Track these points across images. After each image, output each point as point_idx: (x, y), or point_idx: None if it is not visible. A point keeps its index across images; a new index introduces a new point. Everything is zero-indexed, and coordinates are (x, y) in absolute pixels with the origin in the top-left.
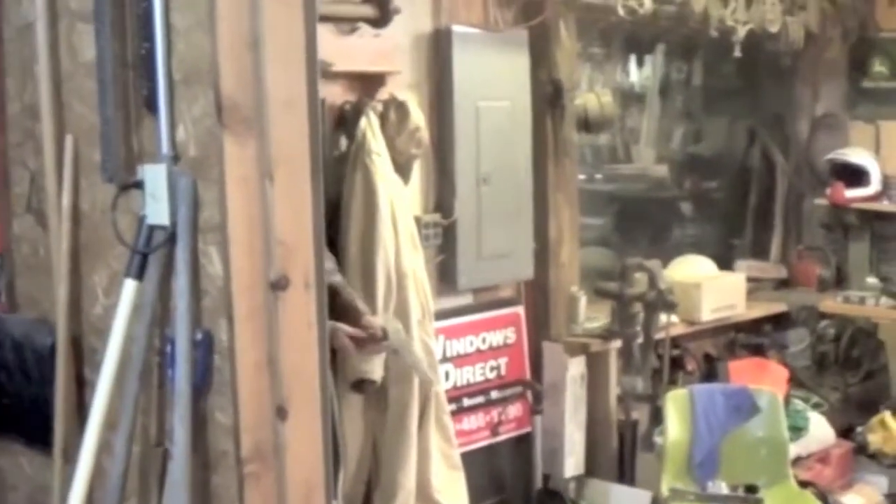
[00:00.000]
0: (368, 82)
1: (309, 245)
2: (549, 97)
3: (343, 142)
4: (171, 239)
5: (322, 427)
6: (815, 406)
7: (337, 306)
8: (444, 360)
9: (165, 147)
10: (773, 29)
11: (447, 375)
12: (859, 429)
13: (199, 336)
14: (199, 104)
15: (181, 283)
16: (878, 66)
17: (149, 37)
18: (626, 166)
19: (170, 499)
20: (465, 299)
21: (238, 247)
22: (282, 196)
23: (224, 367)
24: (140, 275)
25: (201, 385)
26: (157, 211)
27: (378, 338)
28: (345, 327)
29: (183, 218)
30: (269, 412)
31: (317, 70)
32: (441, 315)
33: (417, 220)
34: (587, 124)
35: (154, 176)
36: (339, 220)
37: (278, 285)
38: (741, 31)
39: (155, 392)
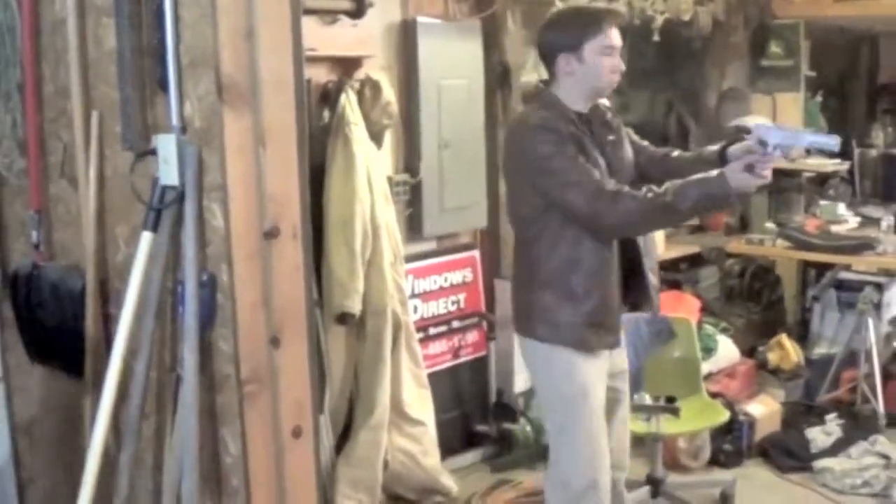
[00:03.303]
0: (347, 65)
1: (296, 201)
2: (498, 76)
3: (326, 115)
4: (181, 197)
5: (309, 354)
6: (723, 330)
7: None
8: (413, 296)
9: (175, 120)
10: (686, 17)
11: (416, 309)
12: (760, 349)
13: (204, 278)
14: (203, 84)
15: (188, 233)
16: (775, 48)
17: (160, 28)
18: None
19: (182, 416)
20: (430, 245)
21: (236, 203)
22: (272, 160)
23: (226, 304)
24: (155, 227)
25: (207, 320)
26: (169, 173)
27: None
28: None
29: (190, 179)
30: (264, 341)
31: (302, 55)
32: (410, 259)
33: (389, 179)
34: (531, 98)
35: (166, 144)
36: (324, 179)
37: (270, 234)
38: (659, 20)
39: (169, 326)
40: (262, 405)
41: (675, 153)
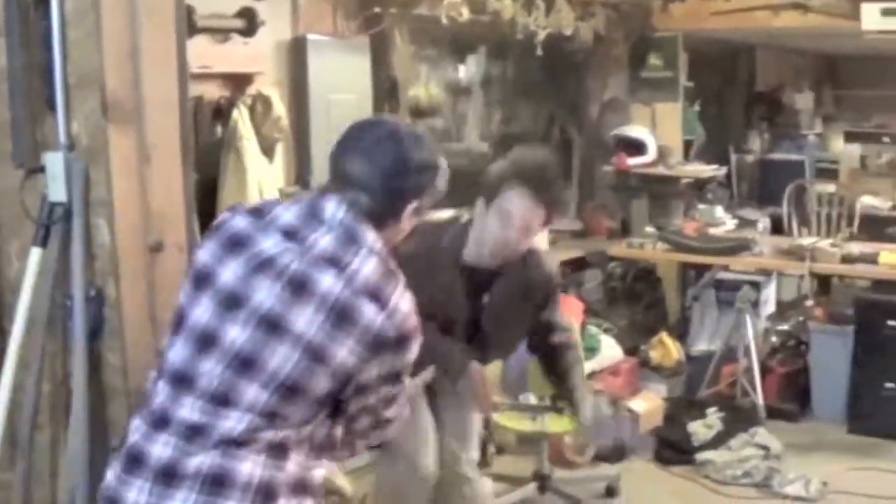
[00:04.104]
0: (239, 81)
1: (181, 215)
2: (387, 91)
3: (219, 130)
4: (68, 213)
5: None
6: (606, 331)
7: None
8: None
9: (63, 138)
10: (568, 32)
11: None
12: (643, 347)
13: (92, 293)
14: (89, 103)
15: (75, 249)
16: (654, 60)
17: (49, 48)
18: (456, 144)
19: (72, 428)
20: None
21: (121, 218)
22: (157, 176)
23: (113, 318)
24: (44, 243)
25: (94, 333)
26: (57, 190)
27: None
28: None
29: (77, 195)
30: (151, 353)
31: (186, 75)
32: None
33: (281, 191)
34: (419, 111)
35: (54, 162)
36: (216, 193)
37: (155, 248)
38: (542, 35)
39: (60, 339)
40: None
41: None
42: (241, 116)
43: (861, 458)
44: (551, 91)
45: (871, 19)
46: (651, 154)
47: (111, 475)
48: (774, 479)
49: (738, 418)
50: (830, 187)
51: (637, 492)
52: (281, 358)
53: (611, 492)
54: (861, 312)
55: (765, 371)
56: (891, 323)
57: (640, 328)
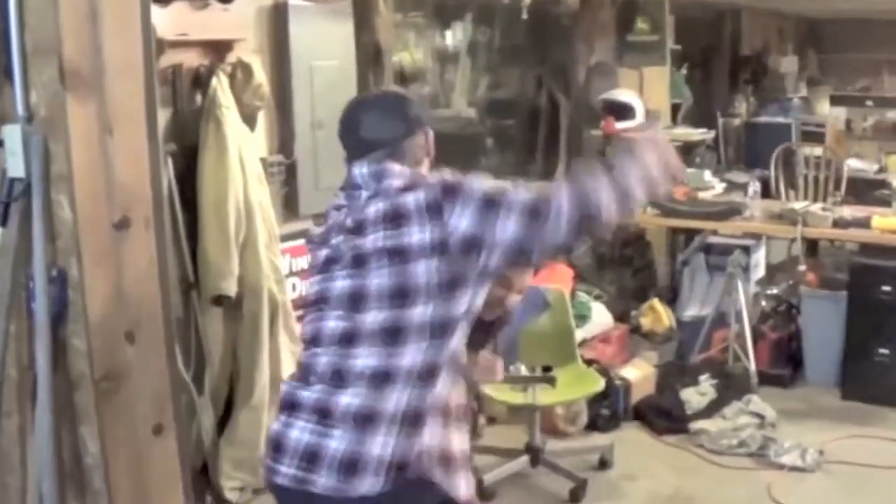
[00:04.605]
0: (219, 48)
1: (147, 189)
2: (370, 57)
3: (198, 98)
4: (28, 189)
5: (166, 346)
6: (597, 297)
7: None
8: (291, 274)
9: (21, 109)
10: None
11: (294, 287)
12: (633, 313)
13: (54, 273)
14: (47, 71)
15: (36, 227)
16: (641, 24)
17: (4, 15)
18: (444, 110)
19: (38, 416)
20: (306, 224)
21: (83, 193)
22: (121, 148)
23: (77, 299)
24: (4, 222)
25: (58, 316)
26: (15, 165)
27: None
28: None
29: (36, 170)
30: (119, 337)
31: (151, 39)
32: (287, 237)
33: (263, 160)
34: (403, 77)
35: (12, 135)
36: (196, 163)
37: (121, 225)
38: None
39: (25, 322)
40: (119, 403)
41: None
42: (220, 84)
43: (857, 426)
44: (538, 56)
45: None
46: (639, 118)
47: (276, 425)
48: (770, 448)
49: (731, 385)
50: (817, 150)
51: (631, 462)
52: (385, 276)
53: (604, 463)
54: (855, 277)
55: (756, 336)
56: (885, 288)
57: (629, 294)
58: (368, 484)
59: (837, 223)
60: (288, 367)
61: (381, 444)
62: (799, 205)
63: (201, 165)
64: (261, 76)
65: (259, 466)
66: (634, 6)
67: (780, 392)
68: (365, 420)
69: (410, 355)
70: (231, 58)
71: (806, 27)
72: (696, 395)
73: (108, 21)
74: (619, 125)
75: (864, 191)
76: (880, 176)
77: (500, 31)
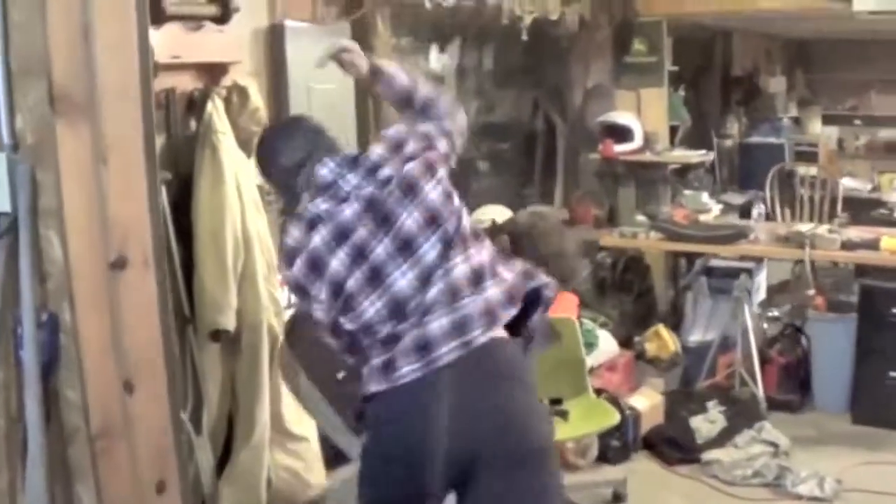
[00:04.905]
0: (214, 71)
1: (146, 225)
2: None
3: (193, 124)
4: (14, 225)
5: (168, 396)
6: (602, 325)
7: None
8: (290, 306)
9: (5, 136)
10: (554, 17)
11: None
12: (637, 339)
13: (44, 318)
14: (34, 94)
15: (24, 266)
16: (639, 45)
17: None
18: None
19: (29, 471)
20: None
21: (75, 230)
22: (116, 179)
23: (70, 347)
24: None
25: (49, 364)
26: (1, 198)
27: None
28: None
29: (23, 204)
30: (116, 387)
31: (149, 60)
32: None
33: (261, 188)
34: None
35: None
36: (191, 192)
37: (117, 265)
38: (527, 19)
39: (13, 371)
40: (119, 459)
41: None
42: (216, 109)
43: (871, 452)
44: (533, 78)
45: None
46: (638, 140)
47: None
48: (787, 478)
49: (741, 412)
50: (812, 170)
51: (644, 496)
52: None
53: (618, 497)
54: (865, 300)
55: (763, 361)
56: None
57: (631, 319)
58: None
59: (845, 245)
60: (289, 404)
61: None
62: (805, 227)
63: (197, 194)
64: (258, 100)
65: None
66: (632, 28)
67: (790, 417)
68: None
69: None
70: (226, 81)
71: (794, 47)
72: (706, 423)
73: (101, 39)
74: (618, 148)
75: (859, 210)
76: (874, 195)
77: (496, 53)
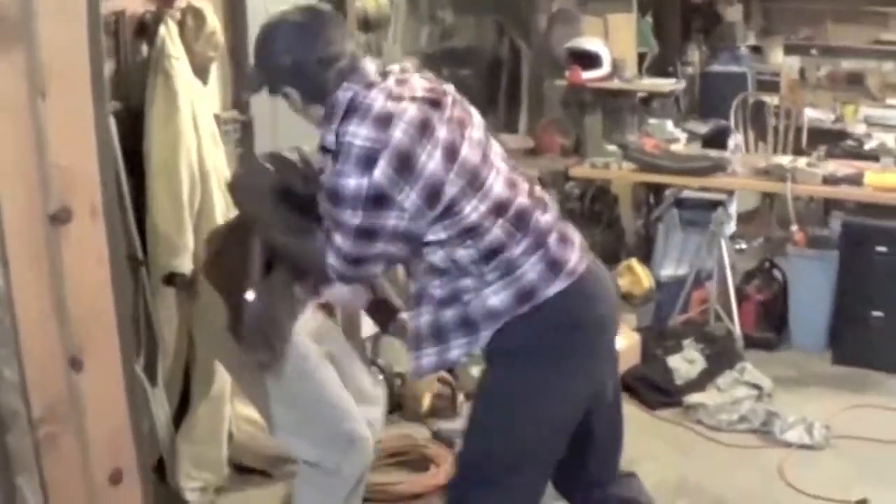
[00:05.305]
0: None
1: (94, 168)
2: (332, 2)
3: (144, 49)
4: None
5: (124, 372)
6: None
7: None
8: None
9: None
10: None
11: None
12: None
13: None
14: None
15: None
16: None
17: None
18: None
19: None
20: None
21: (8, 176)
22: (57, 115)
23: (4, 317)
24: None
25: None
26: None
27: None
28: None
29: None
30: (60, 363)
31: None
32: None
33: (217, 117)
34: (367, 23)
35: None
36: (142, 124)
37: (58, 218)
38: None
39: None
40: (66, 447)
41: None
42: (169, 33)
43: (856, 395)
44: (497, 2)
45: None
46: (606, 67)
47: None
48: (774, 424)
49: (719, 352)
50: (774, 100)
51: (628, 442)
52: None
53: None
54: (847, 237)
55: (739, 297)
56: (879, 248)
57: (600, 251)
58: None
59: (827, 180)
60: None
61: None
62: (785, 160)
63: (148, 125)
64: (214, 22)
65: (222, 463)
66: None
67: (767, 356)
68: None
69: None
70: (180, 3)
71: None
72: (685, 362)
73: None
74: (586, 75)
75: (823, 141)
76: (837, 126)
77: None
